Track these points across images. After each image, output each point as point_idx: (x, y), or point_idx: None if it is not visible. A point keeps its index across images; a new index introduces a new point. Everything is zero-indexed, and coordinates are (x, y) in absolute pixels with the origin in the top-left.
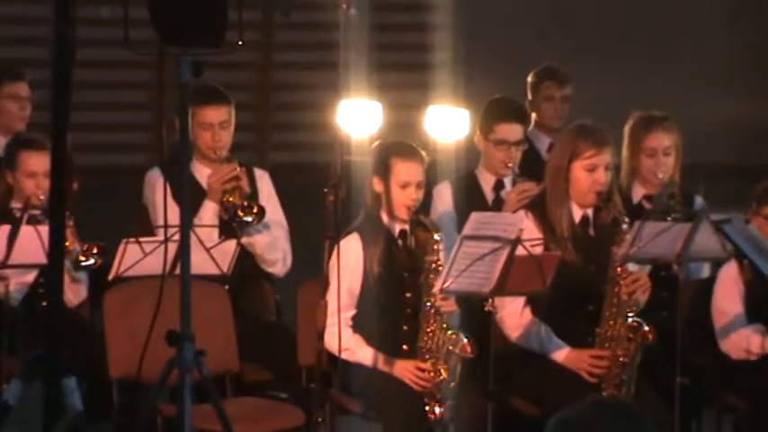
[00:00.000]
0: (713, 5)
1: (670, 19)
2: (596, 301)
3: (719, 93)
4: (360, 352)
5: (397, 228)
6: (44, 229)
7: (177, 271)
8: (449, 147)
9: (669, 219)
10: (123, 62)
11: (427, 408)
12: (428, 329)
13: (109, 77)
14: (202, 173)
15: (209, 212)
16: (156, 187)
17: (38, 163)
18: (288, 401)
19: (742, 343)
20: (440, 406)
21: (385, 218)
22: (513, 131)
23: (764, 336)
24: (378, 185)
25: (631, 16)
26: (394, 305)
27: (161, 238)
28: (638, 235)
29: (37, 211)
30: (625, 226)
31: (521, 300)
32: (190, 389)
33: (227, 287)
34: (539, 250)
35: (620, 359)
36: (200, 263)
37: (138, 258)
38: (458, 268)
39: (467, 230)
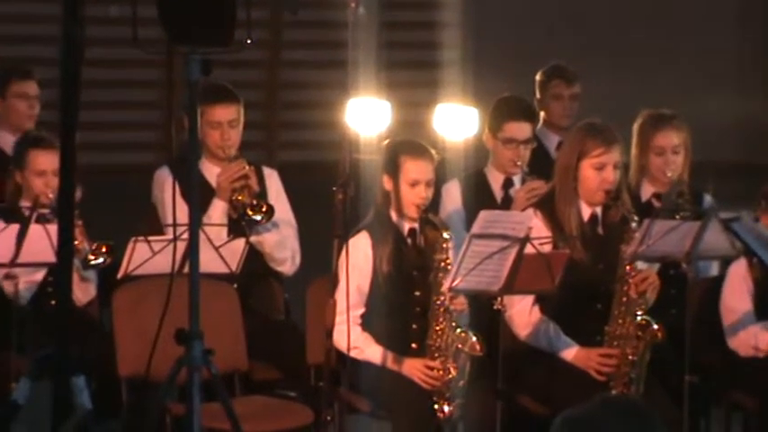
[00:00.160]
0: (723, 4)
1: (679, 17)
2: (605, 299)
3: (729, 91)
4: (369, 350)
5: (407, 226)
6: (53, 228)
7: (186, 270)
8: (458, 145)
9: (678, 217)
10: (132, 61)
11: (436, 406)
12: (437, 328)
13: (117, 76)
14: (211, 171)
15: (218, 211)
16: (165, 186)
17: (47, 161)
18: (296, 400)
19: (750, 340)
20: (449, 404)
21: (394, 216)
22: (521, 130)
23: None
24: (387, 184)
25: (640, 14)
26: (403, 303)
27: (170, 236)
28: (647, 233)
29: (46, 210)
30: (634, 224)
31: (529, 298)
32: (199, 387)
33: (235, 286)
34: (547, 249)
35: (629, 357)
36: (209, 261)
37: (147, 257)
38: (466, 267)
39: (475, 229)
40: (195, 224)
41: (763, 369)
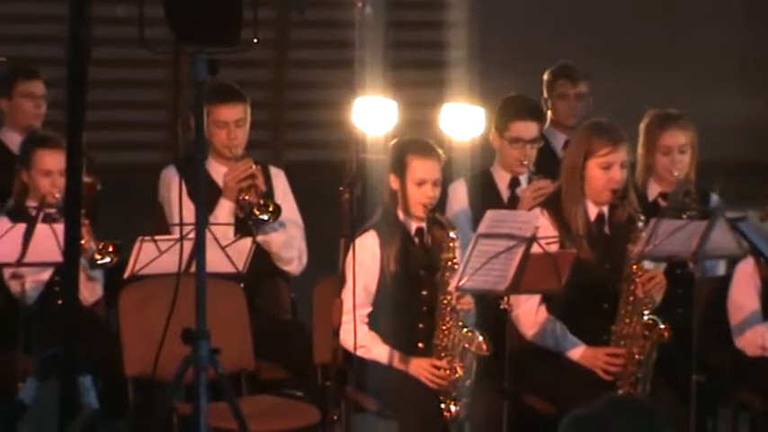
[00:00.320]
0: (729, 3)
1: (686, 16)
2: (612, 299)
3: (735, 90)
4: (375, 350)
5: (414, 225)
6: (59, 228)
7: (192, 269)
8: (464, 144)
9: (685, 216)
10: (138, 60)
11: (443, 406)
12: (444, 327)
13: (124, 76)
14: (218, 171)
15: (224, 211)
16: (172, 185)
17: (53, 161)
18: (303, 399)
19: (758, 339)
20: (455, 404)
21: (401, 215)
22: (528, 129)
23: None
24: (394, 183)
25: (647, 13)
26: (410, 303)
27: (176, 236)
28: (654, 233)
29: (52, 210)
30: (640, 224)
31: (536, 298)
32: (205, 387)
33: (242, 285)
34: (554, 248)
35: (636, 357)
36: (216, 261)
37: (154, 256)
38: (473, 266)
39: (482, 228)
40: (202, 224)
41: None
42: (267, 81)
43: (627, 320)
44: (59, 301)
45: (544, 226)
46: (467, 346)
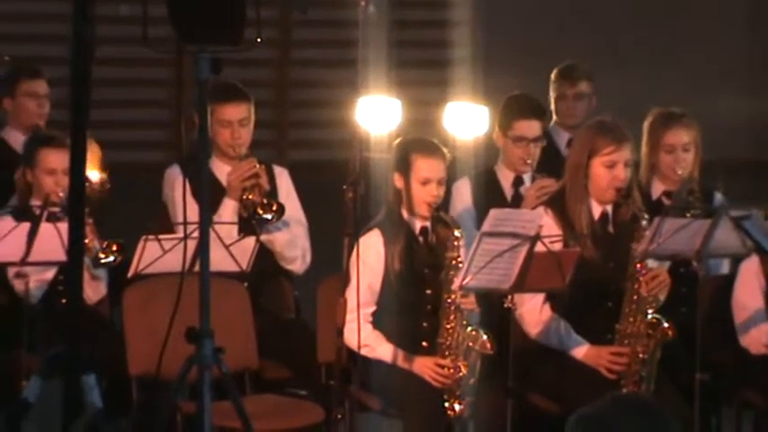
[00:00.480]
0: (732, 1)
1: (690, 14)
2: (616, 297)
3: (739, 89)
4: (379, 349)
5: (418, 224)
6: (63, 227)
7: (196, 268)
8: (468, 143)
9: (688, 215)
10: (142, 59)
11: (447, 404)
12: (448, 326)
13: (127, 75)
14: (222, 170)
15: (228, 210)
16: (176, 184)
17: (57, 160)
18: (307, 398)
19: (762, 338)
20: (459, 403)
21: (406, 214)
22: (531, 128)
23: None
24: (398, 182)
25: (651, 12)
26: (414, 302)
27: (180, 235)
28: (658, 231)
29: (56, 209)
30: (644, 222)
31: (540, 296)
32: (209, 386)
33: (246, 284)
34: (558, 247)
35: (640, 356)
36: (220, 260)
37: (158, 256)
38: (477, 265)
39: (486, 227)
40: (205, 223)
41: None
42: (270, 80)
43: (631, 319)
44: (63, 300)
45: (548, 224)
46: (471, 344)
